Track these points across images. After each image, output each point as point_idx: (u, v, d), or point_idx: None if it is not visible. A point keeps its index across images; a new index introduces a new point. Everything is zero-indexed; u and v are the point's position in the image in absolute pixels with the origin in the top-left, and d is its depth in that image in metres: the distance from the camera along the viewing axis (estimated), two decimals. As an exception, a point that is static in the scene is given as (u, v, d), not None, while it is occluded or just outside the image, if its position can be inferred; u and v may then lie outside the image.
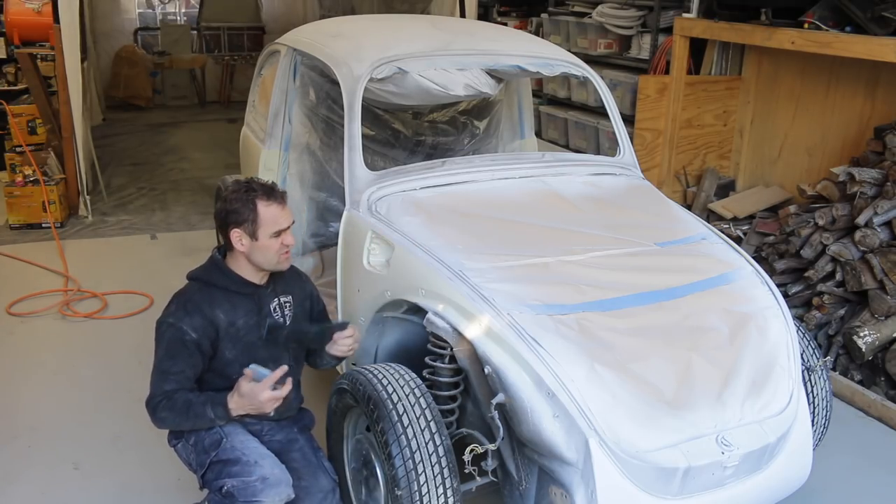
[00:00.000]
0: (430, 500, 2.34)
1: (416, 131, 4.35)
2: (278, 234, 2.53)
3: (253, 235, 2.50)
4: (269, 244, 2.52)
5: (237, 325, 2.54)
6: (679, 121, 5.65)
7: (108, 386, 3.86)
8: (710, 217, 5.49)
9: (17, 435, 3.44)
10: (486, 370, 2.41)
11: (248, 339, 2.56)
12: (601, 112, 5.21)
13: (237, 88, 11.44)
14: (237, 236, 2.51)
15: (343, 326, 2.72)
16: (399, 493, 2.34)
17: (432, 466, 2.35)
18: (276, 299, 2.64)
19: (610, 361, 2.38)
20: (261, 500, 2.39)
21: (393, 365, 2.62)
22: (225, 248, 2.60)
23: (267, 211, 2.51)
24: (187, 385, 2.48)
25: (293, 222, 2.63)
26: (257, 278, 2.59)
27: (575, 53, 4.37)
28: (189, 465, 2.61)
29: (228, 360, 2.54)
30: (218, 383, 2.54)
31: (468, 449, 2.34)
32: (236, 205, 2.49)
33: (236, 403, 2.42)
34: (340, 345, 2.71)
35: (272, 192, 2.55)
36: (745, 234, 5.08)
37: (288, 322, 2.66)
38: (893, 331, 3.89)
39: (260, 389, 2.37)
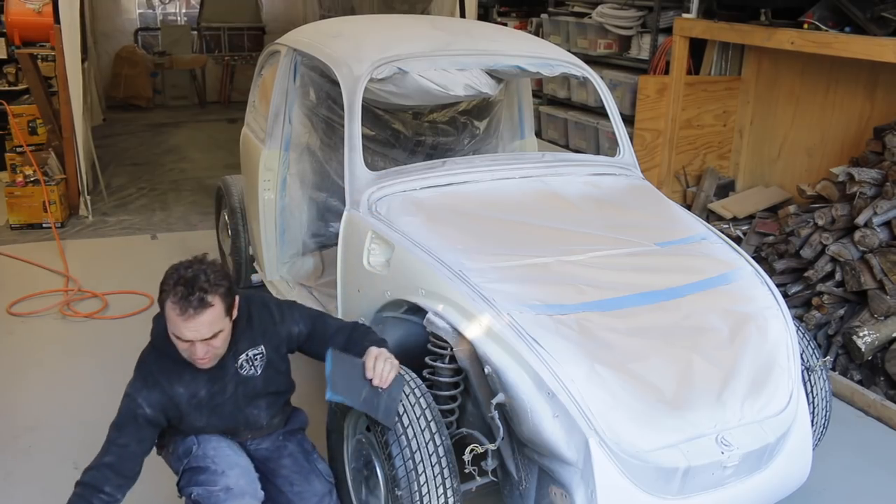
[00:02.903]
0: (430, 500, 2.34)
1: (416, 131, 4.34)
2: (181, 340, 2.25)
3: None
4: (175, 341, 2.27)
5: (199, 396, 2.42)
6: (679, 121, 5.65)
7: (109, 386, 3.84)
8: (710, 217, 5.49)
9: (17, 435, 3.44)
10: (486, 370, 2.41)
11: (214, 403, 2.46)
12: (601, 112, 5.21)
13: (237, 88, 11.44)
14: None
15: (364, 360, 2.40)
16: (399, 493, 2.34)
17: (432, 466, 2.35)
18: (240, 357, 2.45)
19: (610, 361, 2.38)
20: None
21: (393, 365, 2.61)
22: None
23: (171, 313, 2.21)
24: (128, 458, 2.34)
25: (213, 336, 2.24)
26: None
27: (575, 54, 4.37)
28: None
29: (200, 427, 2.49)
30: (196, 431, 2.52)
31: (468, 449, 2.35)
32: (163, 284, 2.25)
33: None
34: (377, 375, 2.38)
35: (186, 301, 2.17)
36: (744, 234, 5.07)
37: (259, 372, 2.50)
38: (893, 331, 3.89)
39: None
